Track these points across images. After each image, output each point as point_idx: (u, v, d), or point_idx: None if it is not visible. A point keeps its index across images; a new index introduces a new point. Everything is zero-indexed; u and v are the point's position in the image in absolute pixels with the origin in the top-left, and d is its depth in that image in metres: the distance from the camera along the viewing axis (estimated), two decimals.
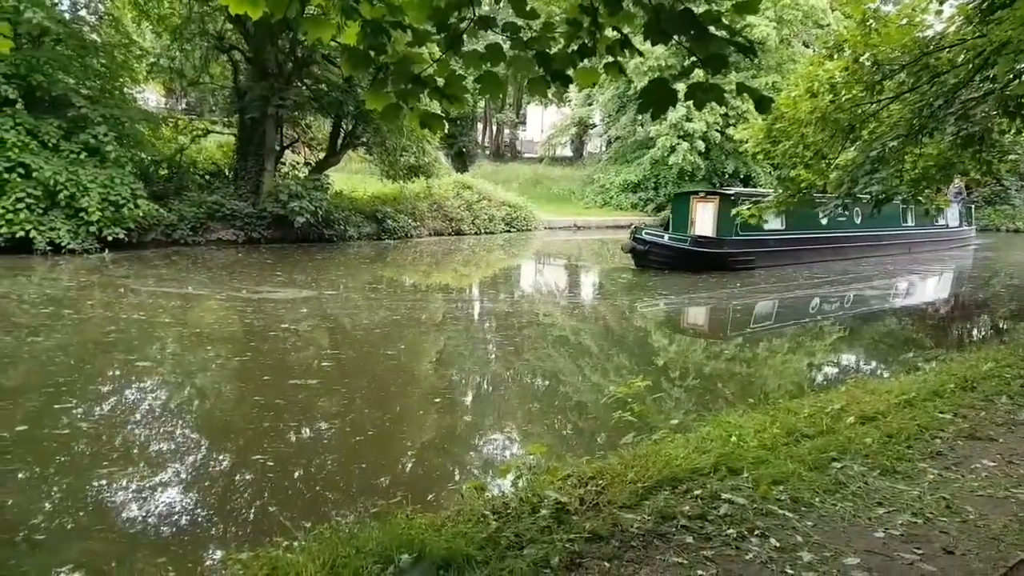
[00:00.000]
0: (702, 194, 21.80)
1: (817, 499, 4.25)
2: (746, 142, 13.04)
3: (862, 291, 19.71)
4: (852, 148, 11.55)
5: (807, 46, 33.87)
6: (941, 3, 9.97)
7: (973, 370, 7.66)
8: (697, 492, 4.23)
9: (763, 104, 3.21)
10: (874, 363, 11.93)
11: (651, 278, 19.17)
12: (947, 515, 4.15)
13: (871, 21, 10.49)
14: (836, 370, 11.48)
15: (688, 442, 5.10)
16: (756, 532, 3.81)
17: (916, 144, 10.90)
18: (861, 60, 10.51)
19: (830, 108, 10.79)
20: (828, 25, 32.52)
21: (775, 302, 17.54)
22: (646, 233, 20.74)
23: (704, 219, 20.86)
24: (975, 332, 15.16)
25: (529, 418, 8.59)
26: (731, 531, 3.81)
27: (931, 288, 22.35)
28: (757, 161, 23.00)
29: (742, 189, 23.98)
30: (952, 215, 28.92)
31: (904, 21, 10.41)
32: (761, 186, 31.87)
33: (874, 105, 10.75)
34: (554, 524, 3.78)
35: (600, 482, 4.28)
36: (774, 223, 21.04)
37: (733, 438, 5.09)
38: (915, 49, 10.01)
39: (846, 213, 22.48)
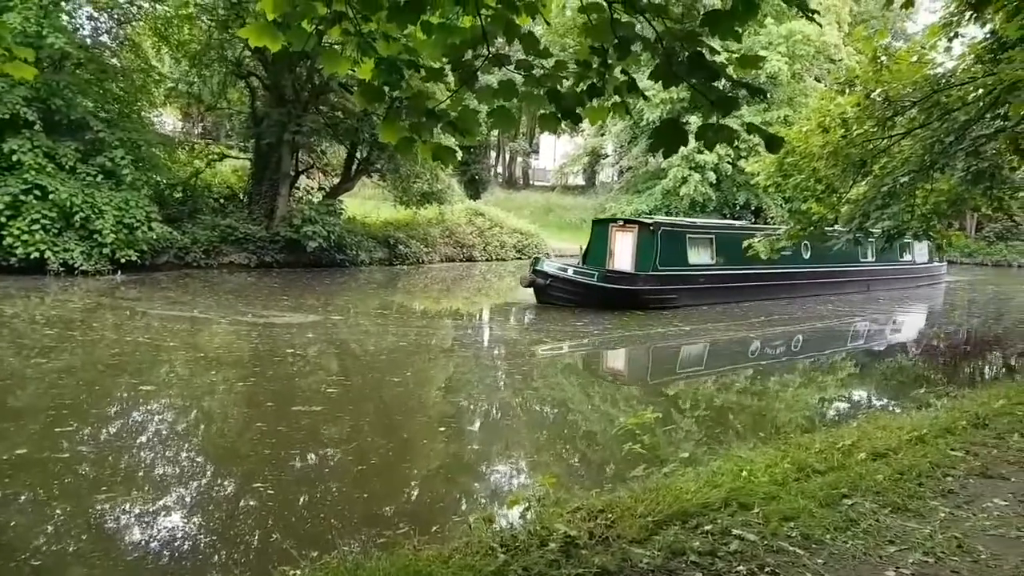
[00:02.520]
0: (620, 222, 19.37)
1: (828, 536, 4.21)
2: (758, 175, 13.09)
3: (764, 335, 16.73)
4: (863, 183, 11.58)
5: (819, 80, 34.05)
6: (950, 41, 10.04)
7: (985, 407, 7.59)
8: (707, 527, 4.20)
9: (773, 144, 3.24)
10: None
11: (558, 317, 16.59)
12: (958, 554, 4.09)
13: (883, 57, 10.57)
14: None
15: (699, 476, 5.07)
16: (766, 569, 3.77)
17: (927, 179, 10.91)
18: (872, 96, 10.56)
19: (841, 143, 10.84)
20: (840, 60, 32.74)
21: (648, 351, 15.04)
22: (548, 265, 18.31)
23: (623, 251, 18.46)
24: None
25: (521, 447, 8.54)
26: (741, 568, 3.77)
27: (867, 334, 18.88)
28: (768, 194, 22.57)
29: (663, 219, 21.00)
30: (919, 250, 26.32)
31: (915, 58, 10.49)
32: (772, 219, 31.70)
33: (885, 140, 10.79)
34: (563, 558, 3.75)
35: (609, 515, 4.25)
36: (703, 257, 19.19)
37: (744, 473, 5.05)
38: (926, 86, 10.07)
39: (792, 247, 20.77)
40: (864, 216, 11.29)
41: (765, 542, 4.07)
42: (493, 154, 51.77)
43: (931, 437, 6.31)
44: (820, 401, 11.38)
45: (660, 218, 20.70)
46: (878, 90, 10.51)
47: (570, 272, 17.97)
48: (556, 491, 4.75)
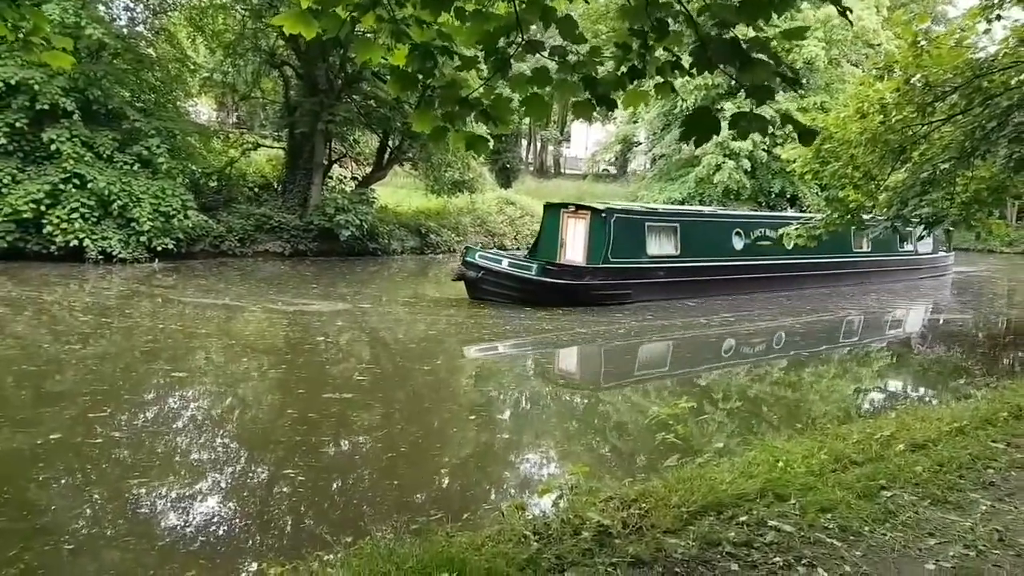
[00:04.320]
0: (572, 208, 17.10)
1: (866, 528, 4.14)
2: (793, 162, 12.89)
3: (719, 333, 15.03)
4: (902, 170, 11.36)
5: (856, 66, 33.38)
6: (989, 23, 9.76)
7: None
8: (743, 518, 4.15)
9: (807, 137, 3.18)
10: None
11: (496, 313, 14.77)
12: (1000, 548, 4.00)
13: (922, 42, 10.33)
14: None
15: (734, 466, 5.02)
16: (803, 561, 3.72)
17: (968, 167, 10.67)
18: (912, 81, 10.34)
19: (880, 129, 10.64)
20: (879, 45, 32.05)
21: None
22: (480, 256, 16.06)
23: (575, 241, 16.53)
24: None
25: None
26: (777, 559, 3.73)
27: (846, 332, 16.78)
28: (804, 181, 21.70)
29: (619, 205, 18.65)
30: (922, 240, 23.53)
31: (955, 42, 10.23)
32: (808, 207, 31.13)
33: (925, 127, 10.57)
34: (596, 547, 3.74)
35: (643, 505, 4.23)
36: (665, 248, 17.27)
37: (780, 463, 4.99)
38: (967, 71, 9.83)
39: (772, 235, 18.49)
40: (902, 203, 11.10)
41: (802, 533, 4.02)
42: (524, 143, 51.60)
43: (971, 428, 6.18)
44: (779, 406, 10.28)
45: (616, 204, 18.66)
46: (918, 75, 10.29)
47: (504, 264, 15.88)
48: (587, 480, 4.74)
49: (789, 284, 19.67)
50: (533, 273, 15.65)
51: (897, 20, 12.13)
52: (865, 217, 12.79)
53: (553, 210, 17.47)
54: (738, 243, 18.66)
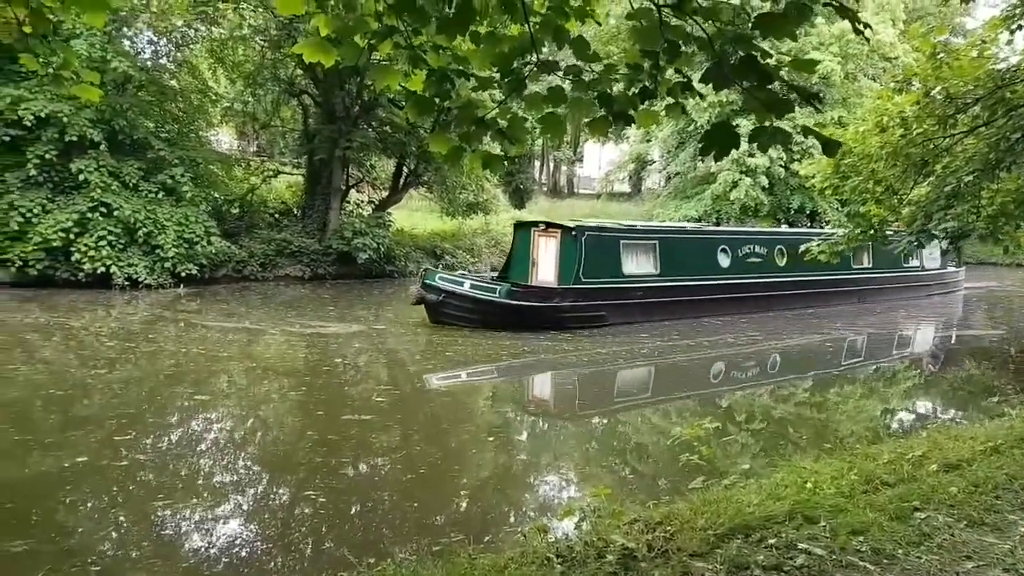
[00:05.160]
0: (543, 226, 16.11)
1: (900, 551, 4.04)
2: (812, 177, 12.79)
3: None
4: (925, 183, 11.22)
5: (874, 80, 33.20)
6: (1012, 34, 9.67)
7: None
8: (772, 541, 4.06)
9: (830, 148, 3.14)
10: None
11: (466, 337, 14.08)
12: None
13: (941, 54, 10.24)
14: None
15: (761, 488, 4.93)
16: None
17: (993, 179, 10.51)
18: (932, 94, 10.23)
19: (901, 142, 10.53)
20: (896, 58, 31.87)
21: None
22: (440, 279, 15.16)
23: (547, 261, 15.66)
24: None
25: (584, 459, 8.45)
26: None
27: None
28: (824, 197, 21.30)
29: (591, 222, 17.41)
30: (929, 254, 22.11)
31: (975, 53, 10.13)
32: (829, 223, 30.86)
33: (947, 139, 10.44)
34: (621, 571, 3.68)
35: (668, 528, 4.16)
36: (643, 267, 16.33)
37: (808, 485, 4.89)
38: (989, 82, 9.71)
39: (761, 252, 18.23)
40: (927, 218, 10.95)
41: (834, 556, 3.93)
42: (537, 164, 51.78)
43: (1007, 447, 6.03)
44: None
45: (588, 221, 17.62)
46: (938, 87, 10.18)
47: (466, 286, 14.98)
48: (610, 503, 4.68)
49: (781, 304, 18.56)
50: (497, 296, 14.89)
51: (914, 33, 12.05)
52: (888, 232, 12.65)
53: (523, 229, 16.59)
54: (724, 261, 17.76)
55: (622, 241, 16.25)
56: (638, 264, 16.32)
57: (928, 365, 14.86)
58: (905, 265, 21.74)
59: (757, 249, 18.38)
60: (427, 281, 14.98)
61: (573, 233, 15.40)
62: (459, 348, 13.40)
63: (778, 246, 18.90)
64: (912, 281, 22.65)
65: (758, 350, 14.93)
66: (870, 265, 20.92)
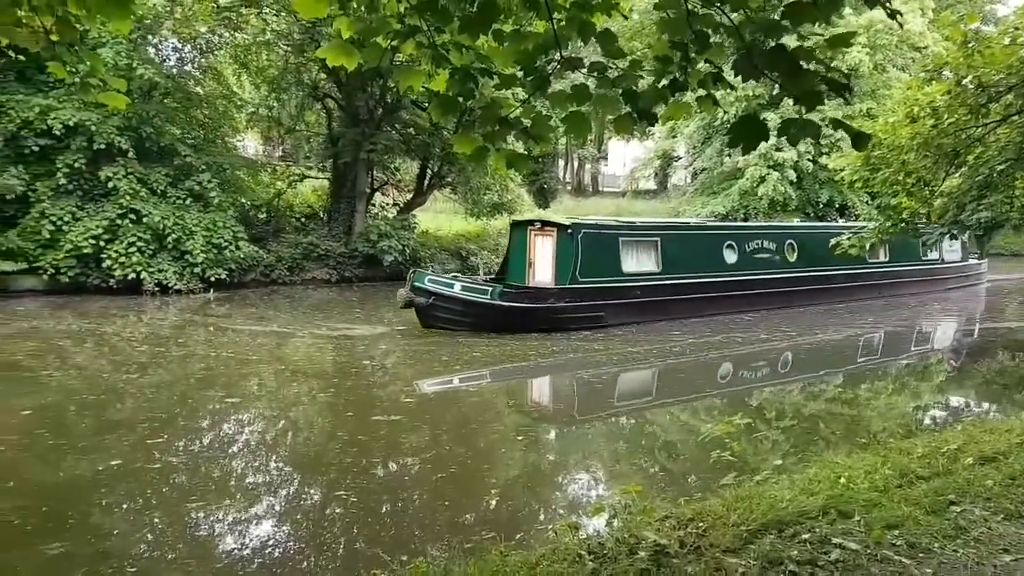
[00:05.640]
0: (539, 225, 15.63)
1: (936, 545, 3.98)
2: (842, 171, 12.62)
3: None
4: (957, 174, 11.03)
5: (903, 70, 32.68)
6: None
7: None
8: (805, 536, 4.03)
9: (860, 141, 3.09)
10: None
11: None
12: None
13: (972, 42, 10.05)
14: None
15: (793, 484, 4.88)
16: None
17: None
18: (964, 83, 10.05)
19: (932, 133, 10.34)
20: (926, 48, 31.34)
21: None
22: (429, 280, 14.54)
23: (543, 261, 15.23)
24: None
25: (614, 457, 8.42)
26: None
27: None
28: (854, 190, 20.80)
29: (587, 219, 17.13)
30: (950, 246, 21.44)
31: (1008, 40, 9.93)
32: (860, 216, 30.39)
33: (980, 129, 10.25)
34: (653, 567, 3.66)
35: (700, 524, 4.13)
36: (644, 264, 15.83)
37: (842, 480, 4.84)
38: (1022, 69, 9.51)
39: (770, 247, 17.77)
40: (959, 208, 10.77)
41: (868, 551, 3.88)
42: (561, 162, 51.68)
43: None
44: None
45: (584, 219, 17.35)
46: (969, 76, 9.99)
47: (456, 288, 14.45)
48: (641, 500, 4.65)
49: (793, 301, 17.93)
50: (489, 297, 14.41)
51: (944, 21, 11.82)
52: (919, 224, 12.44)
53: (520, 228, 16.15)
54: (731, 257, 17.20)
55: (621, 238, 15.84)
56: (639, 262, 15.87)
57: (950, 361, 14.55)
58: (924, 258, 21.34)
59: (766, 244, 17.92)
60: (415, 283, 14.36)
61: (569, 231, 14.99)
62: (485, 349, 13.41)
63: (788, 241, 18.39)
64: (932, 275, 22.03)
65: (770, 348, 14.53)
66: (887, 259, 20.24)
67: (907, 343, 16.51)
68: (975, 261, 23.99)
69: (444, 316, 14.31)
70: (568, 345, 13.86)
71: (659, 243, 16.24)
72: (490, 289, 14.62)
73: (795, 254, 18.30)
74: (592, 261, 15.01)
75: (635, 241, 16.08)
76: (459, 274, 16.98)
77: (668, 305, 15.89)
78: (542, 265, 15.25)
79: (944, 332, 18.33)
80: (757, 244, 17.84)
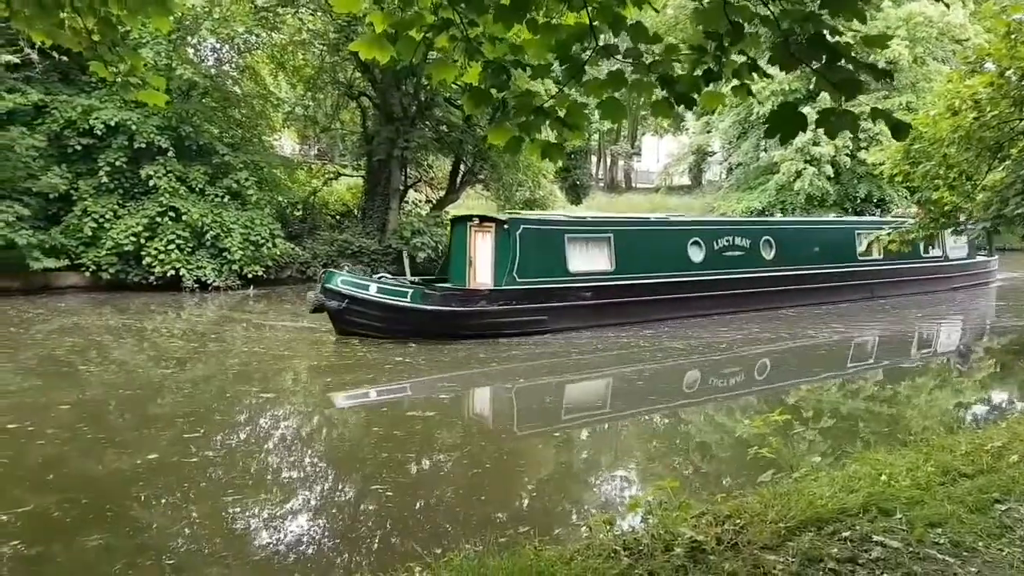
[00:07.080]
0: (477, 220, 14.57)
1: (980, 543, 3.88)
2: (881, 164, 12.39)
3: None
4: (1000, 168, 10.76)
5: (943, 63, 31.95)
6: None
7: None
8: (845, 534, 3.96)
9: (900, 131, 3.02)
10: None
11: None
12: None
13: (1015, 33, 9.80)
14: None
15: (833, 481, 4.80)
16: None
17: None
18: (1007, 75, 9.81)
19: (974, 126, 10.12)
20: (967, 40, 30.60)
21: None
22: (342, 282, 13.12)
23: (483, 259, 14.18)
24: None
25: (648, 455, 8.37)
26: None
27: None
28: (893, 184, 20.15)
29: (526, 215, 15.85)
30: (954, 242, 19.81)
31: None
32: (897, 211, 29.74)
33: (1023, 122, 9.99)
34: (690, 564, 3.62)
35: (738, 521, 4.08)
36: (594, 263, 14.50)
37: (883, 477, 4.74)
38: None
39: (743, 245, 16.36)
40: (1003, 203, 10.50)
41: (910, 549, 3.80)
42: (594, 159, 51.46)
43: None
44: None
45: (524, 214, 15.97)
46: (1013, 68, 9.75)
47: (372, 290, 13.14)
48: (677, 496, 4.61)
49: (767, 302, 16.47)
50: (408, 300, 13.11)
51: (987, 12, 11.54)
52: (961, 218, 12.16)
53: (460, 225, 15.06)
54: (696, 255, 15.80)
55: (567, 235, 14.49)
56: (588, 261, 14.51)
57: (957, 365, 13.51)
58: (924, 255, 19.74)
59: (738, 241, 16.45)
60: (327, 285, 13.03)
61: (506, 227, 13.75)
62: (519, 341, 13.41)
63: (765, 237, 16.89)
64: (934, 273, 20.30)
65: (741, 354, 13.09)
66: (880, 256, 18.26)
67: (907, 347, 15.01)
68: (984, 258, 22.22)
69: (360, 321, 13.06)
70: (494, 353, 12.59)
71: (612, 240, 14.94)
72: (410, 291, 13.40)
73: (772, 251, 16.91)
74: (533, 260, 13.83)
75: (584, 238, 14.77)
76: (387, 274, 15.72)
77: (621, 307, 14.66)
78: (482, 265, 14.24)
79: (949, 335, 16.79)
80: (727, 241, 16.41)
